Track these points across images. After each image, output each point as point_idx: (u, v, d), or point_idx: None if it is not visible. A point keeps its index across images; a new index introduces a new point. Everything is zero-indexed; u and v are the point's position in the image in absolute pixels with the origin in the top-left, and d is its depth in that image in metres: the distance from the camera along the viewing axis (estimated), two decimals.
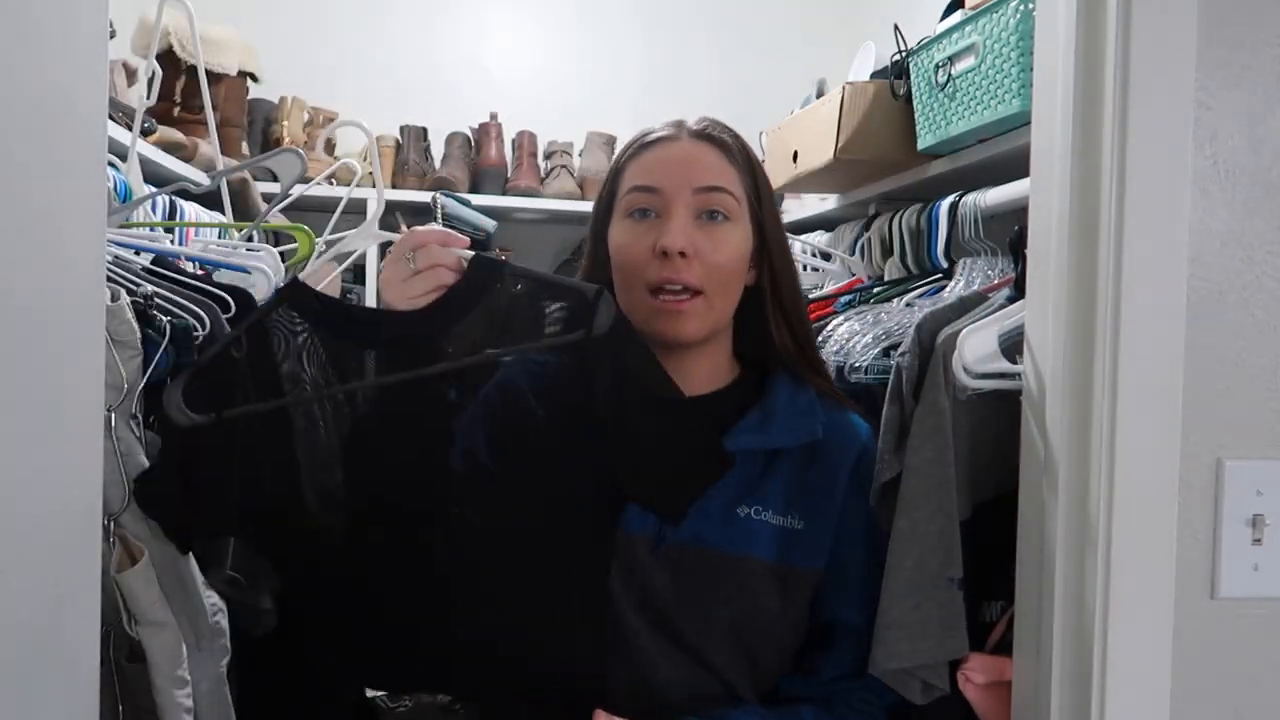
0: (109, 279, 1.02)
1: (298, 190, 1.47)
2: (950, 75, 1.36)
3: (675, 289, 0.92)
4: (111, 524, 0.92)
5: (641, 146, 0.99)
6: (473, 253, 0.84)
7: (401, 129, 2.90)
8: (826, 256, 1.85)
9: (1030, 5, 1.18)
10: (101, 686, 0.75)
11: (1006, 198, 1.21)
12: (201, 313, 1.08)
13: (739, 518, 0.93)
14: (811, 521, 0.95)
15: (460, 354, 0.82)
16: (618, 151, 1.02)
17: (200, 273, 1.36)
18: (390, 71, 3.04)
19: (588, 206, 1.20)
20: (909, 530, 0.97)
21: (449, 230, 0.87)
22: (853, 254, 1.72)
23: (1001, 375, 0.97)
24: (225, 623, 1.04)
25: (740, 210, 0.96)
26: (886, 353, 1.15)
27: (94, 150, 0.69)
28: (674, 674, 0.91)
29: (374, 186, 2.79)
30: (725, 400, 1.00)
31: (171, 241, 1.45)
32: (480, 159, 2.87)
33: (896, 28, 1.55)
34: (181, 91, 2.09)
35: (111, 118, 1.48)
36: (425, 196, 2.70)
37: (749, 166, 0.99)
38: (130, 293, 0.99)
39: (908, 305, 1.33)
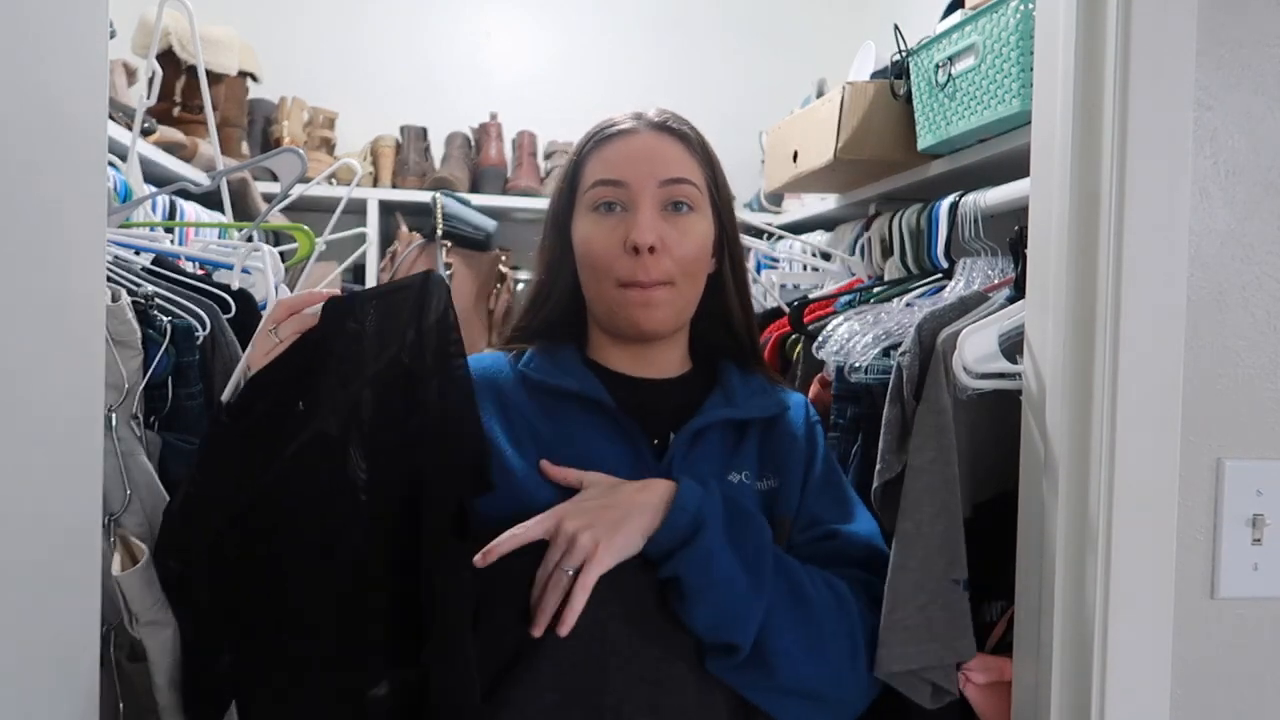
0: (109, 279, 1.02)
1: (298, 190, 1.47)
2: (950, 75, 1.36)
3: (648, 284, 0.95)
4: (112, 524, 0.92)
5: (602, 139, 1.00)
6: (330, 296, 0.84)
7: (401, 129, 2.90)
8: (826, 256, 1.85)
9: (1030, 5, 1.18)
10: (102, 686, 0.75)
11: (1006, 198, 1.21)
12: (202, 313, 1.08)
13: (733, 484, 0.97)
14: (783, 481, 1.00)
15: (329, 395, 0.82)
16: (576, 142, 1.03)
17: (200, 273, 1.36)
18: (390, 71, 3.04)
19: None
20: (913, 531, 0.96)
21: (309, 292, 0.87)
22: (853, 254, 1.73)
23: (1002, 375, 0.98)
24: None
25: (703, 200, 0.99)
26: (886, 353, 1.15)
27: (94, 150, 0.69)
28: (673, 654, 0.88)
29: (374, 185, 2.81)
30: (690, 382, 1.04)
31: (171, 241, 1.45)
32: (480, 159, 2.88)
33: (896, 28, 1.55)
34: (181, 91, 2.09)
35: (111, 118, 1.48)
36: (425, 196, 2.70)
37: (707, 157, 1.01)
38: (131, 293, 0.99)
39: (908, 305, 1.33)
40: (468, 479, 0.87)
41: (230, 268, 1.36)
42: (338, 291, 0.86)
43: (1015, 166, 1.19)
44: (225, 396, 0.88)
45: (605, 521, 0.85)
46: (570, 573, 0.83)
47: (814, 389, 1.32)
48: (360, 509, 0.82)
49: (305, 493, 0.81)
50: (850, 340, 1.22)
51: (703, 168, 1.00)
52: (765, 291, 1.77)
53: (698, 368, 1.07)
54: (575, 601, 0.82)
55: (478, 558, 0.82)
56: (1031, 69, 1.02)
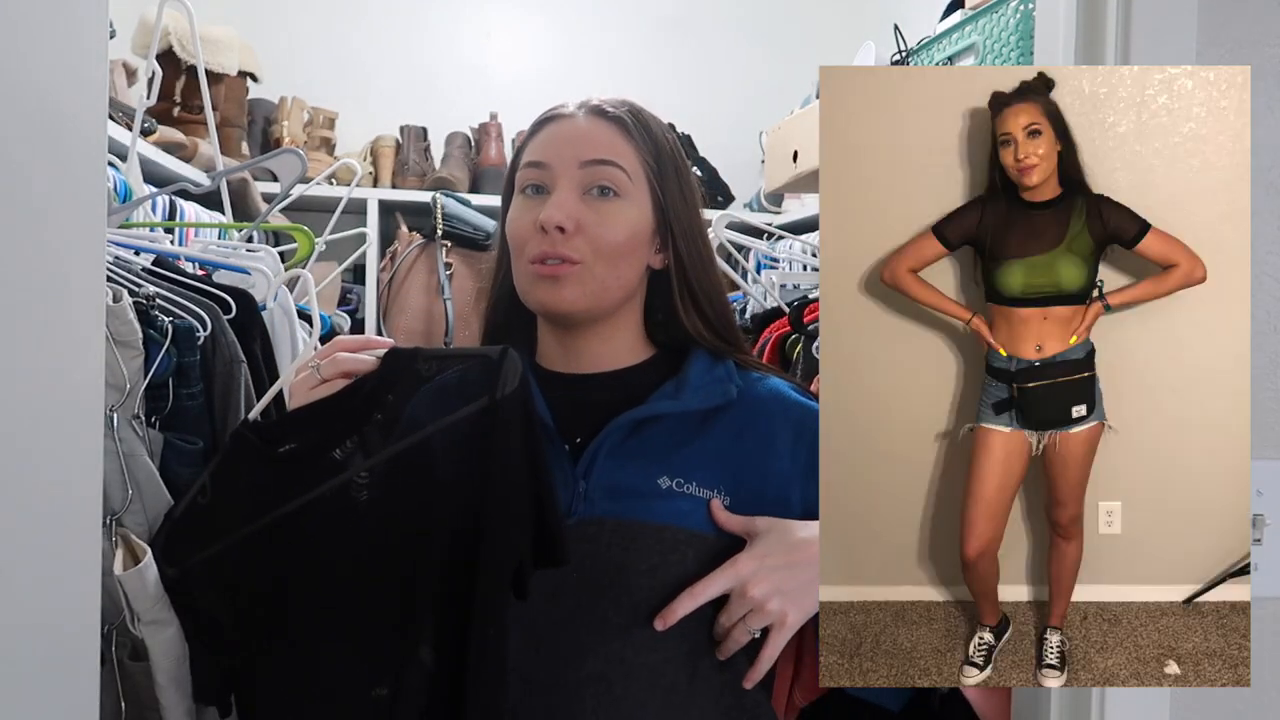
0: (110, 279, 1.02)
1: (298, 190, 1.47)
2: None
3: (555, 260, 0.90)
4: (113, 523, 0.92)
5: (539, 125, 1.00)
6: (388, 347, 0.83)
7: (401, 129, 2.90)
8: None
9: (1030, 5, 1.18)
10: (103, 685, 0.75)
11: None
12: (203, 313, 1.08)
13: (660, 489, 0.89)
14: (744, 492, 0.91)
15: (373, 448, 0.81)
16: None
17: (200, 273, 1.36)
18: (390, 71, 3.04)
19: None
20: None
21: (367, 337, 0.86)
22: None
23: None
24: None
25: (634, 187, 0.93)
26: None
27: (94, 150, 0.68)
28: (599, 656, 0.86)
29: (374, 186, 2.80)
30: (636, 375, 0.97)
31: (171, 242, 1.45)
32: (480, 159, 2.88)
33: (896, 28, 1.55)
34: (181, 91, 2.09)
35: (111, 118, 1.48)
36: (425, 196, 2.70)
37: (650, 145, 0.96)
38: (132, 293, 0.99)
39: None
40: (529, 548, 0.82)
41: (237, 269, 1.36)
42: (393, 342, 0.84)
43: None
44: (253, 416, 0.87)
45: (793, 586, 0.83)
46: (756, 634, 0.83)
47: (815, 389, 1.32)
48: (368, 537, 0.81)
49: (326, 531, 0.81)
50: None
51: (641, 155, 0.94)
52: (765, 291, 1.77)
53: (666, 357, 0.99)
54: (762, 664, 0.83)
55: (658, 621, 0.82)
56: None
